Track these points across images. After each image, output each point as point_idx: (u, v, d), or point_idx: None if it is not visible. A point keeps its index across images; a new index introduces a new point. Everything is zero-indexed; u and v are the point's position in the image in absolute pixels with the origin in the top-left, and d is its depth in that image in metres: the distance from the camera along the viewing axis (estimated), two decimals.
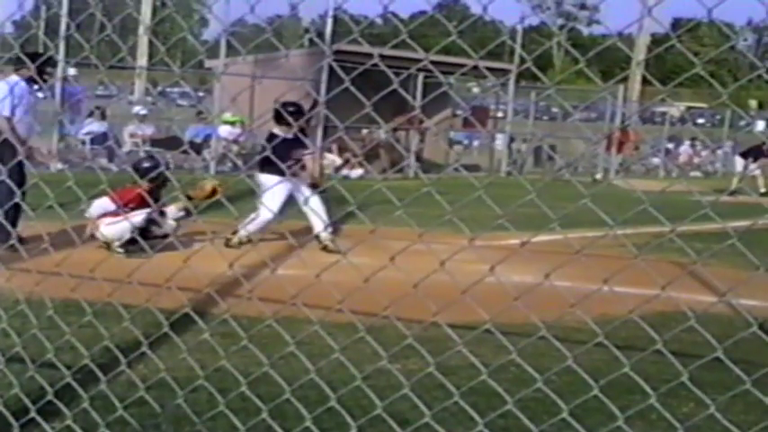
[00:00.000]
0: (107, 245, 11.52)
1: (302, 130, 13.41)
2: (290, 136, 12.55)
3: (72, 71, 26.60)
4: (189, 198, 11.99)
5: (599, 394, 3.44)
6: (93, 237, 11.50)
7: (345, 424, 4.00)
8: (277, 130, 13.01)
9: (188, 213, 11.84)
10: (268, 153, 11.26)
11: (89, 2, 4.73)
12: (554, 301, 3.58)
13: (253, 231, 12.68)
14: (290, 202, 12.69)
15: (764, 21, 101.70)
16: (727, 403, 3.58)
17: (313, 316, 4.34)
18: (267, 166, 11.82)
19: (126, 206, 11.13)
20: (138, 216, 11.31)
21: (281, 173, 11.18)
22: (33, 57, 11.86)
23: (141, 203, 11.28)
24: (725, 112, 46.63)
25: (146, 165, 12.73)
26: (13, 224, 9.17)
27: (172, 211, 11.94)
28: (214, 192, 12.53)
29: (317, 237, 12.60)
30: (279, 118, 12.82)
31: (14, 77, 11.80)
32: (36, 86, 12.42)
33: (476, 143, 42.44)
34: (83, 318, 4.81)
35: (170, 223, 11.87)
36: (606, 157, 37.42)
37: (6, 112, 11.45)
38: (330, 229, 12.90)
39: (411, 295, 3.77)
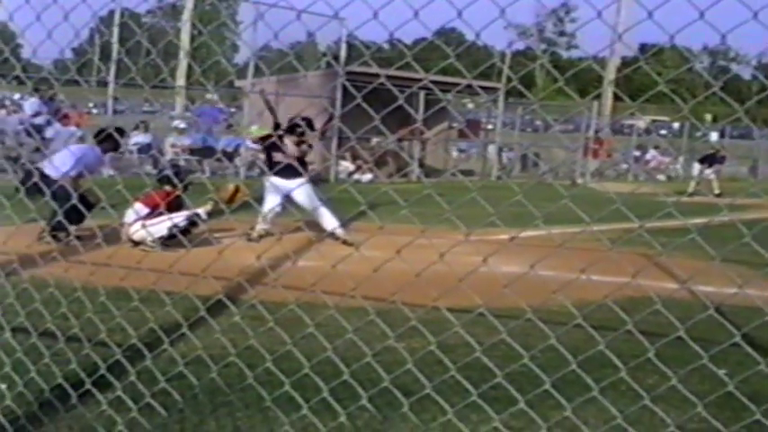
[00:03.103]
0: (136, 243, 11.44)
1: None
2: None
3: (213, 96, 27.16)
4: (215, 203, 11.94)
5: (577, 369, 3.43)
6: (131, 241, 11.47)
7: (357, 395, 3.99)
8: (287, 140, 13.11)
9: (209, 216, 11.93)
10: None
11: (136, 31, 4.73)
12: (539, 288, 3.56)
13: (264, 224, 12.75)
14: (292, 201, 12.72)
15: (718, 46, 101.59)
16: (686, 376, 3.56)
17: (330, 301, 4.34)
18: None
19: (156, 209, 11.17)
20: (180, 218, 11.29)
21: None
22: (109, 134, 12.49)
23: (169, 206, 11.33)
24: (684, 124, 46.60)
25: (169, 173, 12.78)
26: (76, 223, 9.29)
27: (199, 212, 11.88)
28: (236, 191, 12.58)
29: (333, 235, 12.58)
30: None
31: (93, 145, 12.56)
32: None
33: (473, 151, 42.43)
34: (131, 303, 4.80)
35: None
36: (583, 163, 37.46)
37: (73, 173, 11.51)
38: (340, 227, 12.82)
39: (414, 283, 3.76)
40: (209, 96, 27.72)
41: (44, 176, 9.43)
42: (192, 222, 11.45)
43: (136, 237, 11.44)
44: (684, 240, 3.40)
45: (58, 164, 11.15)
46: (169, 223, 11.02)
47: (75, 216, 8.23)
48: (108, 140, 12.33)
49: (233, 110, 36.37)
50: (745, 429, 3.95)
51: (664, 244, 5.37)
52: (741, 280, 4.51)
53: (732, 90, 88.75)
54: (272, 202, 12.80)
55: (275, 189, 12.64)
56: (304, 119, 13.29)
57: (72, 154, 11.97)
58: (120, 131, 13.57)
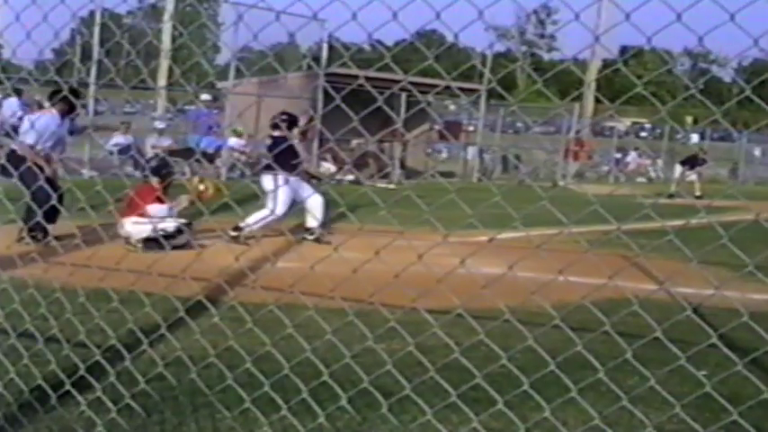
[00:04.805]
0: (126, 240, 11.48)
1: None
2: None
3: (205, 96, 27.22)
4: (197, 197, 12.18)
5: (556, 370, 3.44)
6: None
7: (337, 396, 3.99)
8: (277, 134, 13.14)
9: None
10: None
11: (116, 32, 4.72)
12: (517, 290, 3.57)
13: (256, 228, 12.71)
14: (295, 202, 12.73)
15: (697, 48, 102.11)
16: (665, 377, 3.58)
17: (309, 302, 4.34)
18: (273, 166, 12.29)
19: (145, 204, 11.32)
20: (167, 223, 11.40)
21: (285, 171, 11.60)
22: (63, 96, 12.36)
23: (157, 200, 11.52)
24: (664, 126, 46.83)
25: (155, 163, 13.01)
26: (52, 222, 9.26)
27: (183, 200, 12.05)
28: (201, 182, 12.92)
29: (308, 230, 12.66)
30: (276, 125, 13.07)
31: (49, 112, 12.35)
32: (71, 116, 12.69)
33: (462, 154, 42.51)
34: (110, 304, 4.79)
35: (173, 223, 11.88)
36: (564, 165, 37.59)
37: (30, 141, 11.54)
38: (320, 228, 12.84)
39: (393, 284, 3.76)
40: (203, 97, 27.75)
41: (12, 154, 9.49)
42: (179, 230, 11.55)
43: (123, 232, 11.47)
44: (663, 242, 3.42)
45: (21, 137, 11.29)
46: (156, 227, 11.17)
47: (50, 209, 8.25)
48: (62, 102, 12.16)
49: (215, 111, 36.34)
50: (723, 430, 3.98)
51: (642, 245, 5.39)
52: (719, 281, 4.54)
53: (713, 93, 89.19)
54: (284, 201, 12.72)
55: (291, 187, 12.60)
56: (286, 114, 13.34)
57: (29, 122, 12.38)
58: (75, 93, 13.36)
